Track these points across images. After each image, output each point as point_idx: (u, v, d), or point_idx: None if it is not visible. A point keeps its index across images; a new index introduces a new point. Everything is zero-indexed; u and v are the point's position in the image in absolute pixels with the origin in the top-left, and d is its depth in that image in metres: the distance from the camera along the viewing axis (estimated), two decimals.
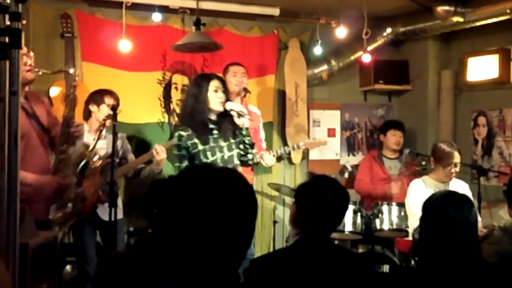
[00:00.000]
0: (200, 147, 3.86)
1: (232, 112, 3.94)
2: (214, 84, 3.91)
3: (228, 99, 3.95)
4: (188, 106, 3.92)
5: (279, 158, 6.07)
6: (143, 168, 4.67)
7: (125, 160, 4.66)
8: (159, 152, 4.41)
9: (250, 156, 4.03)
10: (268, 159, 4.95)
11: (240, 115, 3.93)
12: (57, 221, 3.67)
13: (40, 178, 3.47)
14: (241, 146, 3.99)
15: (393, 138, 5.86)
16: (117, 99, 4.53)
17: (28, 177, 3.40)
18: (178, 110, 5.66)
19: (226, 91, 3.96)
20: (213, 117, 3.94)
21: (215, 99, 3.89)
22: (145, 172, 4.67)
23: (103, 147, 4.44)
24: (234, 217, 1.37)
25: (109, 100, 4.43)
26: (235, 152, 3.97)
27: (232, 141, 3.98)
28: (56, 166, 3.58)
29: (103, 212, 4.49)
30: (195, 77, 4.29)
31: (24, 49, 3.53)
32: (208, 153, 3.86)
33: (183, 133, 3.89)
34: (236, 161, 3.97)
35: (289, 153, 6.08)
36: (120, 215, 4.67)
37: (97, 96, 4.44)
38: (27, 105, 3.58)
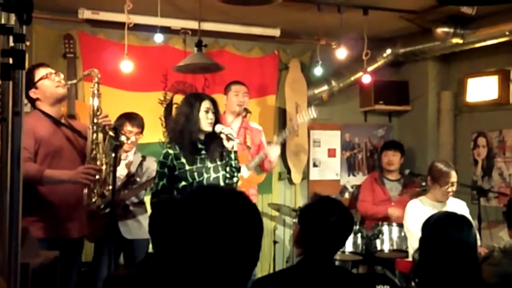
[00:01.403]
0: (187, 167, 3.83)
1: (221, 135, 3.94)
2: (205, 104, 3.90)
3: (217, 121, 3.96)
4: (179, 125, 3.89)
5: (279, 177, 6.12)
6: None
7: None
8: None
9: (235, 179, 4.01)
10: (272, 152, 4.91)
11: (229, 138, 3.92)
12: (95, 206, 3.68)
13: (67, 172, 3.52)
14: (228, 169, 3.98)
15: (385, 159, 5.92)
16: (141, 125, 4.64)
17: (55, 174, 3.48)
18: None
19: (216, 112, 3.97)
20: (201, 137, 3.94)
21: (205, 120, 3.89)
22: None
23: (123, 167, 4.51)
24: (240, 238, 1.37)
25: (132, 128, 4.56)
26: (221, 174, 3.95)
27: (218, 163, 3.96)
28: (90, 156, 3.63)
29: (126, 230, 4.52)
30: (187, 96, 4.23)
31: (51, 69, 3.68)
32: (195, 174, 3.84)
33: (170, 151, 3.86)
34: (222, 184, 3.95)
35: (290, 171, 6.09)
36: (146, 235, 4.68)
37: (117, 124, 4.43)
38: (65, 124, 3.69)
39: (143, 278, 1.48)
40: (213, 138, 3.95)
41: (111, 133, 3.67)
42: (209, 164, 3.91)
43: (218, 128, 3.93)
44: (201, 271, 1.34)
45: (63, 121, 3.73)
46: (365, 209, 5.75)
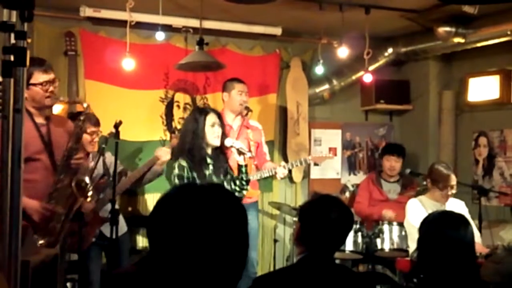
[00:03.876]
0: (198, 181, 3.82)
1: (232, 149, 3.95)
2: (211, 118, 3.92)
3: (224, 134, 3.97)
4: (186, 143, 3.90)
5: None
6: (145, 174, 4.66)
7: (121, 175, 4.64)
8: (164, 153, 4.49)
9: (244, 192, 4.05)
10: (281, 172, 4.97)
11: (241, 152, 3.94)
12: (39, 245, 3.56)
13: (28, 202, 3.27)
14: (237, 182, 4.00)
15: (387, 163, 5.85)
16: (99, 123, 4.43)
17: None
18: (178, 132, 5.66)
19: (222, 125, 3.97)
20: (209, 151, 3.94)
21: (211, 134, 3.90)
22: (148, 175, 4.66)
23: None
24: (228, 233, 1.38)
25: (94, 128, 4.37)
26: (228, 188, 3.97)
27: (222, 178, 3.98)
28: (50, 195, 3.49)
29: (107, 228, 4.49)
30: (192, 111, 4.27)
31: (51, 76, 3.56)
32: None
33: (183, 163, 3.86)
34: None
35: (290, 171, 6.08)
36: (124, 229, 4.66)
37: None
38: (44, 130, 3.57)
39: (141, 276, 1.48)
40: (220, 152, 3.96)
41: (74, 186, 3.49)
42: (215, 179, 3.92)
43: (229, 142, 3.95)
44: (192, 268, 1.35)
45: (45, 122, 3.60)
46: (360, 210, 5.72)
